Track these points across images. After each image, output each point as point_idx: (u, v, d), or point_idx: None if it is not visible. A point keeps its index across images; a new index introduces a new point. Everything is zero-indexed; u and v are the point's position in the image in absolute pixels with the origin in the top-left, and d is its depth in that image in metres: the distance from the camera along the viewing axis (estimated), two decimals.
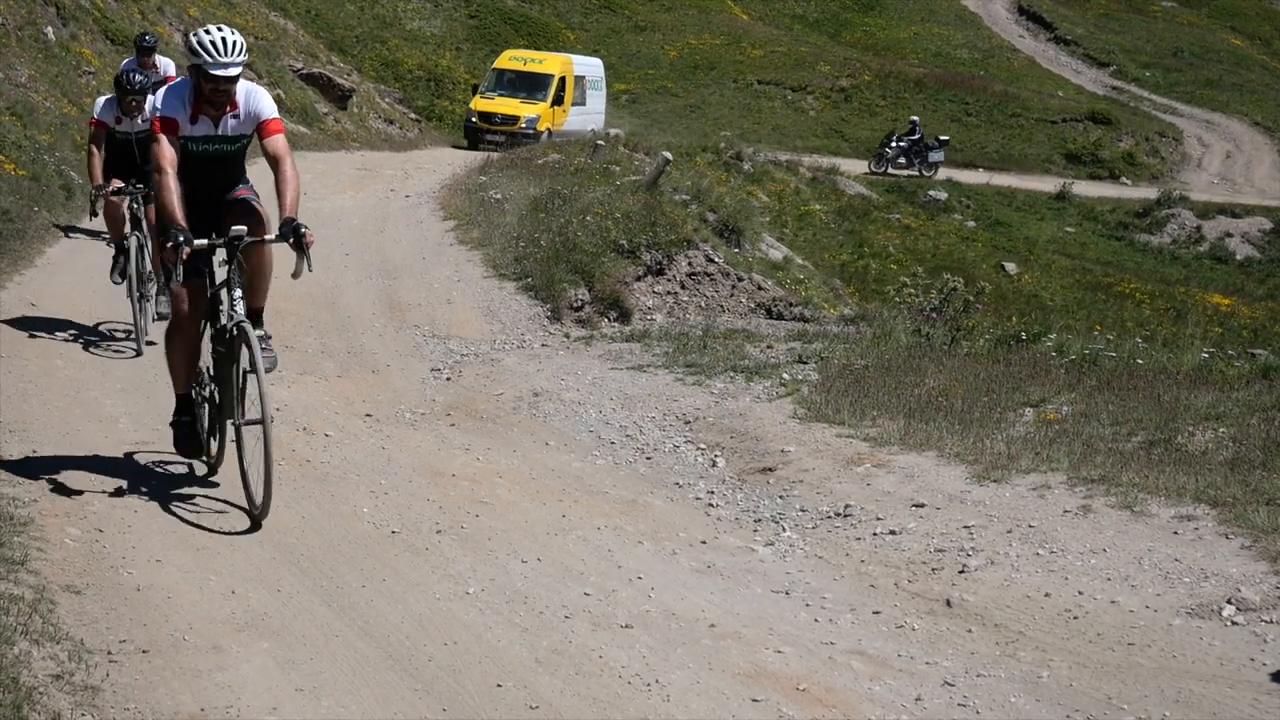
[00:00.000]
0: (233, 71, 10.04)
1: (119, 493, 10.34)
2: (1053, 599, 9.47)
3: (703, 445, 13.36)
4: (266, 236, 10.33)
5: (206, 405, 10.80)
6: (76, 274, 17.95)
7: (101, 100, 16.16)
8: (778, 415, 14.07)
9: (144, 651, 7.72)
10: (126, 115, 15.95)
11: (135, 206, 15.45)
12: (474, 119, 48.84)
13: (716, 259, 21.81)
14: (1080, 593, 9.51)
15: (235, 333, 10.09)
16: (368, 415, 13.48)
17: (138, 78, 15.91)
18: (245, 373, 10.12)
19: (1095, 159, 65.97)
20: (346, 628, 8.33)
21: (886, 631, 9.10)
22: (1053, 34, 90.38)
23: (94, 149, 15.86)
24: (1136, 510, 10.72)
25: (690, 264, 21.42)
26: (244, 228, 10.11)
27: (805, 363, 16.14)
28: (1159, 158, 68.28)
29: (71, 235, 20.40)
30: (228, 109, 10.31)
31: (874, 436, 13.11)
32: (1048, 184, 58.21)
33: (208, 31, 10.11)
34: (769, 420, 13.93)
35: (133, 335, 15.28)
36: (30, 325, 15.27)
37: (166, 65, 18.24)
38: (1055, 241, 50.15)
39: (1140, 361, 15.56)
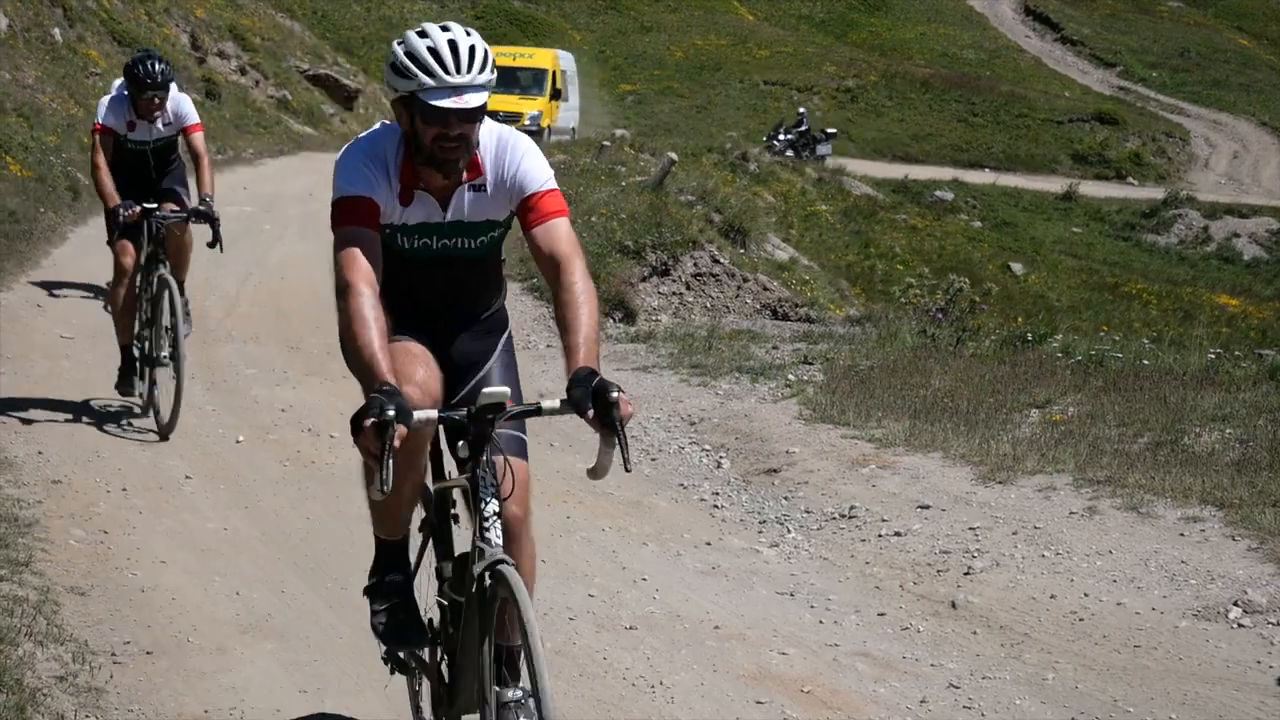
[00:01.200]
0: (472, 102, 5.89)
1: (124, 494, 10.35)
2: (1058, 601, 9.45)
3: (708, 446, 13.35)
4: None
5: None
6: (82, 275, 17.93)
7: (106, 100, 12.98)
8: (783, 416, 14.06)
9: (148, 653, 7.73)
10: (141, 118, 12.86)
11: (159, 234, 12.59)
12: None
13: (722, 260, 21.81)
14: (1086, 595, 9.50)
15: None
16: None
17: (158, 66, 12.51)
18: None
19: (1102, 159, 65.97)
20: (350, 629, 8.32)
21: (891, 633, 9.09)
22: (1059, 34, 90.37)
23: (99, 162, 12.63)
24: (1143, 512, 10.70)
25: (696, 265, 21.43)
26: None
27: (811, 364, 16.13)
28: (1166, 158, 68.25)
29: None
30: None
31: (879, 438, 13.10)
32: (1054, 184, 58.18)
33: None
34: (774, 421, 13.92)
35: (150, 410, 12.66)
36: (36, 326, 15.27)
37: (180, 103, 13.11)
38: (1062, 242, 50.14)
39: (1146, 362, 15.55)
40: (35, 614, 7.69)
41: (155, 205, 12.59)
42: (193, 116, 13.07)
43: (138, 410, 12.66)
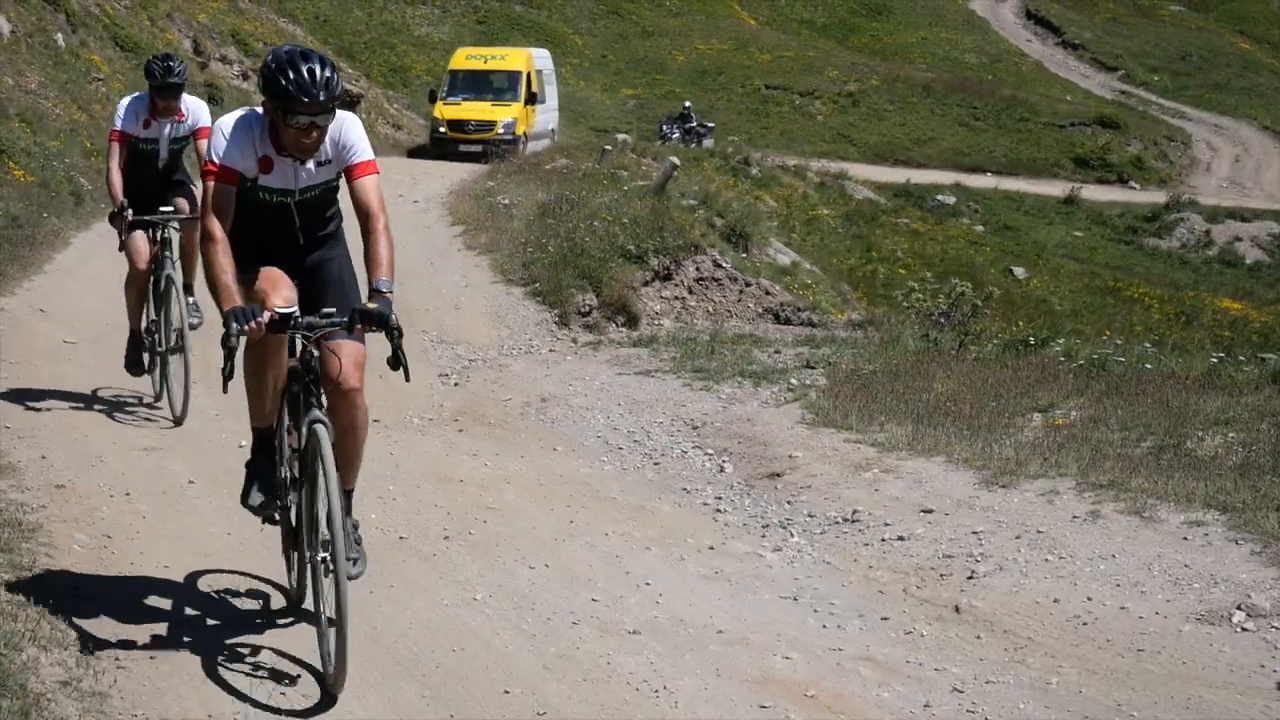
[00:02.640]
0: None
1: (127, 499, 10.35)
2: (1062, 605, 9.45)
3: (710, 450, 13.35)
4: None
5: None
6: (86, 281, 17.95)
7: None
8: (785, 420, 14.07)
9: (152, 658, 7.72)
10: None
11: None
12: (442, 129, 44.15)
13: (724, 264, 21.81)
14: (1089, 599, 9.50)
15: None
16: (375, 420, 13.40)
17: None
18: None
19: (1104, 163, 65.85)
20: (354, 634, 8.31)
21: (895, 638, 9.09)
22: (1061, 38, 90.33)
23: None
24: (1146, 516, 10.70)
25: (698, 269, 21.43)
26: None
27: (813, 368, 16.13)
28: (1168, 162, 68.15)
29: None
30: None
31: (882, 442, 13.10)
32: (1056, 188, 58.11)
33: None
34: (777, 425, 13.92)
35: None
36: (40, 331, 15.27)
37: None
38: (1064, 246, 50.09)
39: (1149, 366, 15.54)
40: (39, 619, 7.69)
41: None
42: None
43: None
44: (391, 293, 7.62)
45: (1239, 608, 9.14)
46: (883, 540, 10.88)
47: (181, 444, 12.01)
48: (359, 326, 7.52)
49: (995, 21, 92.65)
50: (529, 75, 46.03)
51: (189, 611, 8.51)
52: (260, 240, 8.16)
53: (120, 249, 13.04)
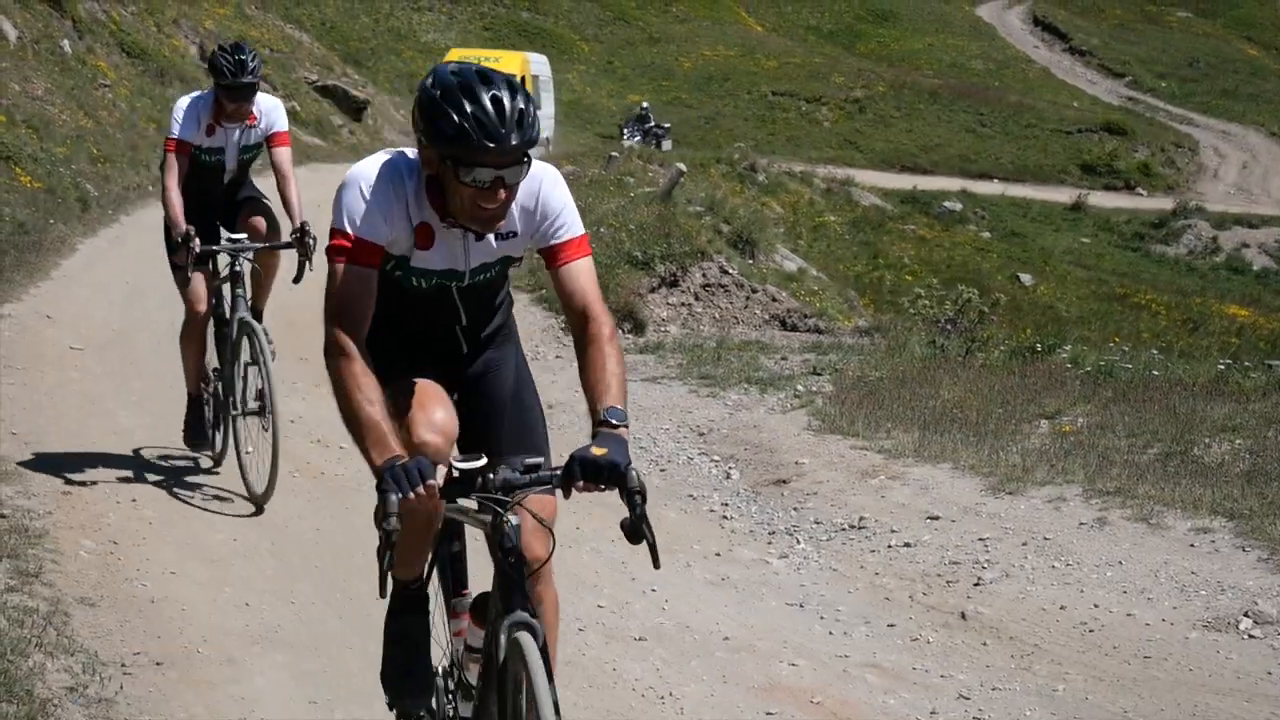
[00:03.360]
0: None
1: (134, 505, 10.35)
2: (1068, 612, 9.45)
3: (717, 457, 13.35)
4: None
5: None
6: (92, 287, 17.95)
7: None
8: (792, 427, 14.06)
9: (158, 664, 7.72)
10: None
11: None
12: None
13: (731, 270, 21.81)
14: (1096, 605, 9.49)
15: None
16: None
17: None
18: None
19: (1111, 170, 65.92)
20: (361, 640, 8.31)
21: (901, 644, 9.09)
22: (1068, 44, 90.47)
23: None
24: (1153, 523, 10.69)
25: (704, 275, 21.42)
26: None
27: (820, 374, 16.13)
28: (1175, 168, 68.18)
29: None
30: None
31: (889, 448, 13.10)
32: (1063, 195, 58.20)
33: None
34: (783, 432, 13.91)
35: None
36: (46, 337, 15.28)
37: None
38: (1071, 252, 50.10)
39: (1156, 373, 15.54)
40: (45, 625, 7.69)
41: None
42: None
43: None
44: (628, 428, 5.51)
45: (1246, 614, 9.13)
46: (889, 547, 10.88)
47: (188, 451, 11.99)
48: (580, 484, 5.42)
49: (1002, 28, 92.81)
50: (523, 79, 43.92)
51: (195, 618, 8.51)
52: (404, 344, 5.96)
53: (181, 285, 10.73)
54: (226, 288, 10.88)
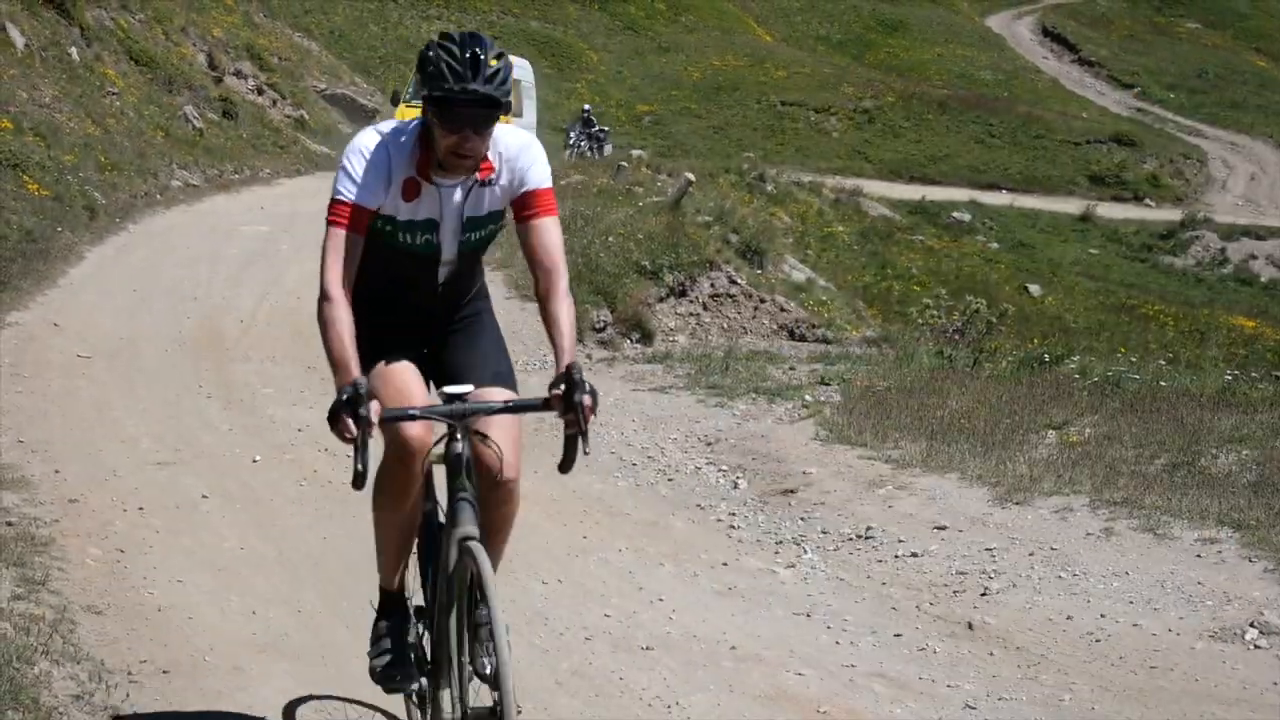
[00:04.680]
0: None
1: (141, 513, 10.35)
2: (1075, 622, 9.44)
3: (724, 467, 13.34)
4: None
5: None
6: (99, 295, 17.98)
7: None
8: (800, 437, 14.06)
9: (165, 672, 7.72)
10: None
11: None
12: None
13: (739, 280, 21.80)
14: (1103, 616, 9.49)
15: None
16: None
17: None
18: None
19: (1119, 181, 65.83)
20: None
21: (908, 654, 9.08)
22: (1077, 55, 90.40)
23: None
24: (1159, 533, 10.69)
25: (713, 285, 21.41)
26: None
27: (827, 384, 16.12)
28: (1183, 179, 68.09)
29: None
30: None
31: (896, 458, 13.09)
32: (1071, 206, 58.17)
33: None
34: (791, 442, 13.91)
35: None
36: (53, 345, 15.29)
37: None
38: (1079, 263, 50.10)
39: (1163, 383, 15.52)
40: (52, 633, 7.69)
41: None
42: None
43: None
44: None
45: (1252, 625, 9.13)
46: (896, 557, 10.87)
47: (195, 459, 12.00)
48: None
49: (1011, 38, 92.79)
50: None
51: (202, 626, 8.51)
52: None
53: (356, 482, 5.97)
54: (438, 474, 6.40)
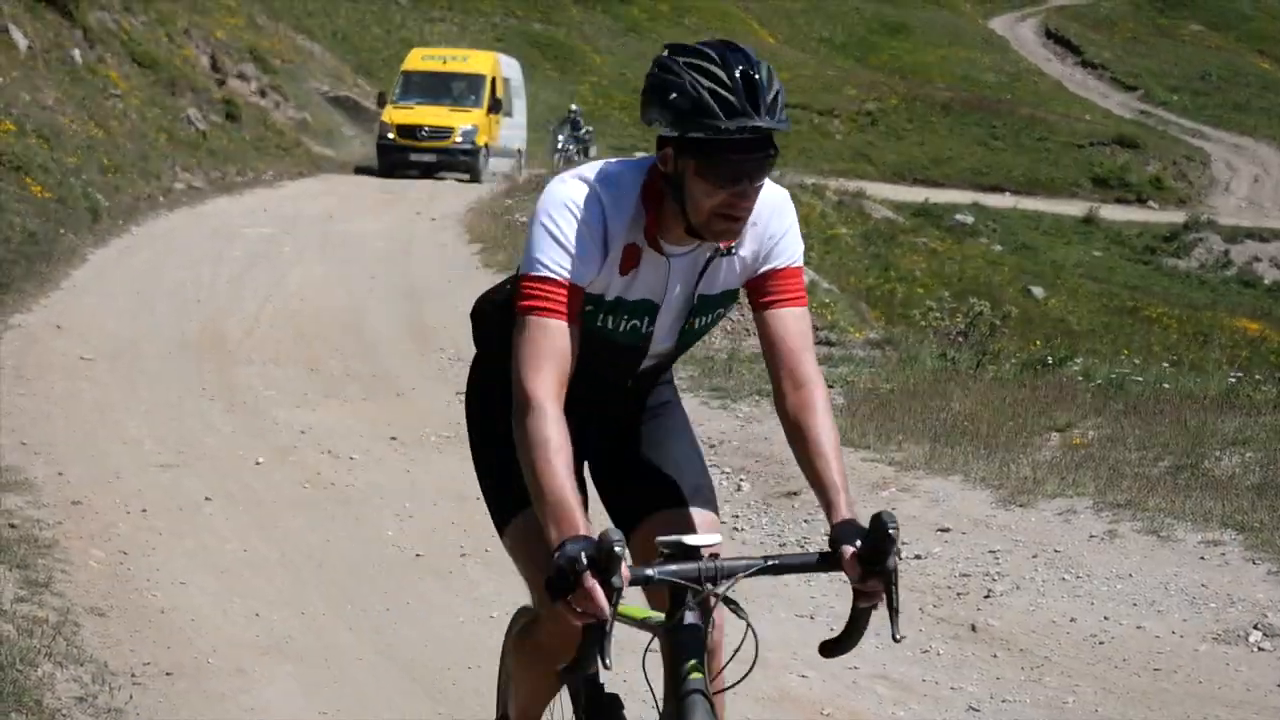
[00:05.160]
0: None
1: (144, 515, 10.36)
2: (1078, 624, 9.43)
3: (728, 469, 13.32)
4: None
5: None
6: (102, 297, 17.99)
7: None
8: None
9: (168, 674, 7.72)
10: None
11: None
12: (390, 135, 38.62)
13: None
14: (1106, 618, 9.47)
15: None
16: (392, 438, 13.42)
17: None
18: None
19: (1122, 183, 65.87)
20: (370, 651, 8.32)
21: (911, 656, 9.06)
22: (1080, 57, 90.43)
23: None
24: (1163, 535, 10.67)
25: None
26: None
27: (831, 386, 16.08)
28: (1186, 181, 68.14)
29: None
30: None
31: (899, 460, 13.08)
32: (1074, 208, 58.18)
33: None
34: None
35: None
36: (56, 347, 15.30)
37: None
38: (1082, 265, 50.11)
39: (1167, 386, 15.51)
40: (55, 635, 7.69)
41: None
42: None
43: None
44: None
45: (1256, 627, 9.11)
46: (899, 559, 10.85)
47: (198, 461, 12.01)
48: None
49: (1015, 40, 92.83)
50: (493, 80, 41.69)
51: (205, 628, 8.51)
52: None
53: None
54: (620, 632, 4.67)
